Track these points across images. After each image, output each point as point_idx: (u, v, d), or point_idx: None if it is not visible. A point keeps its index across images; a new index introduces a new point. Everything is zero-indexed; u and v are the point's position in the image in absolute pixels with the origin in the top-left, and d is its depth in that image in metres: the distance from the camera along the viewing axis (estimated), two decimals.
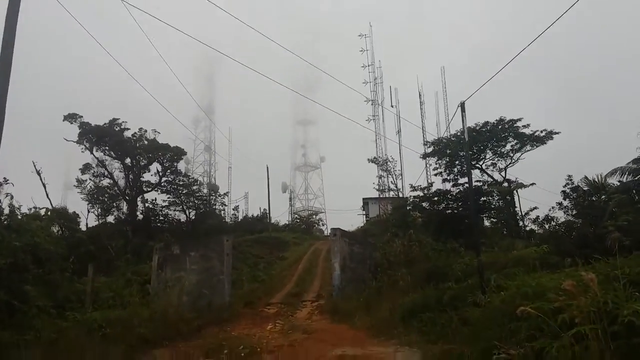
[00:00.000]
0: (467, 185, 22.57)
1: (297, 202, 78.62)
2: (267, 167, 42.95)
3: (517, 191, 19.42)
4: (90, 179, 27.28)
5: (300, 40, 66.44)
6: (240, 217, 54.81)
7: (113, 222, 28.11)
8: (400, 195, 39.64)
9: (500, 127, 22.81)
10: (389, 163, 40.54)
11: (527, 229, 20.23)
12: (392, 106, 46.13)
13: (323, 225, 64.95)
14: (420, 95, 47.73)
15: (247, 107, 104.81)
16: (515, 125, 22.58)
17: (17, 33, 8.69)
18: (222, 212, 46.51)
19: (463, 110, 9.20)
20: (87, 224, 27.15)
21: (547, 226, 18.17)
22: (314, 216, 64.96)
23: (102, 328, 10.89)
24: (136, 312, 11.59)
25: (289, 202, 69.47)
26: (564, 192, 17.58)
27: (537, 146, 22.80)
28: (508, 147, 23.39)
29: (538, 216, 19.76)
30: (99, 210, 27.15)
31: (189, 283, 14.91)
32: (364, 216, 54.32)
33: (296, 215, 65.80)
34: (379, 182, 43.15)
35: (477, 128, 22.81)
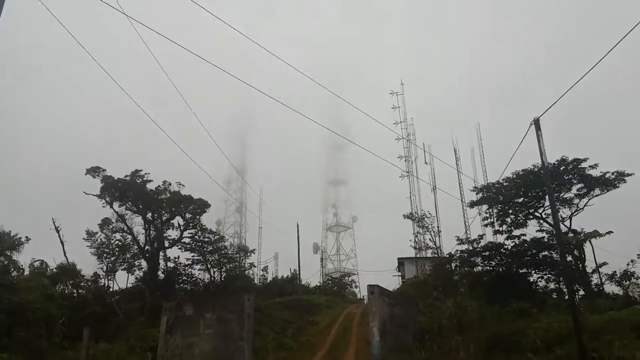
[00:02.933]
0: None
1: (328, 263, 75.91)
2: (297, 225, 41.09)
3: (590, 242, 16.57)
4: (105, 233, 25.75)
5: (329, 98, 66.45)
6: (269, 279, 52.64)
7: (133, 282, 26.41)
8: (440, 253, 36.75)
9: (562, 168, 19.93)
10: (425, 219, 37.98)
11: (600, 287, 17.09)
12: (425, 163, 44.30)
13: (356, 287, 61.70)
14: (455, 151, 45.79)
15: (278, 167, 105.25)
16: (580, 166, 19.69)
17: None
18: (251, 273, 44.48)
19: (538, 129, 7.21)
20: (107, 285, 25.46)
21: (626, 283, 15.22)
22: (347, 277, 61.82)
23: None
24: None
25: (320, 263, 66.78)
26: None
27: (607, 190, 19.68)
28: (573, 191, 20.41)
29: (615, 272, 16.72)
30: (108, 266, 25.30)
31: (202, 351, 12.66)
32: (400, 277, 51.22)
33: (328, 277, 62.87)
34: (415, 239, 40.41)
35: (535, 170, 20.01)
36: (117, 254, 25.53)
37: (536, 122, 7.24)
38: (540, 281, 20.37)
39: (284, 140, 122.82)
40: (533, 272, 20.02)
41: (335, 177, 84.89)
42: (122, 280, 27.96)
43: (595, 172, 19.56)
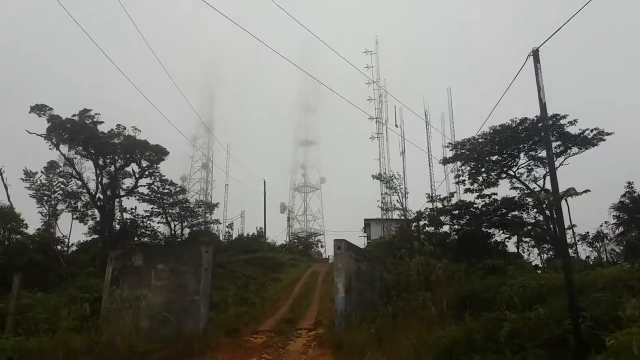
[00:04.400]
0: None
1: (295, 223, 75.89)
2: (264, 181, 39.93)
3: (566, 201, 16.12)
4: (49, 177, 23.56)
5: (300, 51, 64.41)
6: (234, 236, 51.93)
7: (86, 232, 24.76)
8: (406, 215, 36.64)
9: (540, 124, 18.12)
10: (394, 180, 37.54)
11: (574, 248, 16.85)
12: (396, 126, 43.62)
13: (322, 247, 61.94)
14: (426, 115, 45.18)
15: (246, 125, 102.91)
16: (558, 122, 18.73)
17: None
18: (216, 229, 43.54)
19: (537, 61, 6.28)
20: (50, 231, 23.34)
21: (598, 245, 15.03)
22: (313, 237, 61.80)
23: None
24: (66, 340, 8.35)
25: (287, 223, 66.58)
26: (621, 203, 14.44)
27: (585, 149, 18.75)
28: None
29: (587, 232, 16.50)
30: (50, 210, 23.46)
31: (152, 304, 11.66)
32: (365, 238, 51.48)
33: (294, 236, 62.73)
34: (382, 200, 40.12)
35: (513, 125, 19.23)
36: (60, 198, 23.63)
37: (535, 53, 6.33)
38: (507, 241, 20.18)
39: (254, 99, 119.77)
40: (501, 232, 19.78)
41: (305, 137, 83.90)
42: (78, 231, 26.26)
43: (574, 130, 18.82)
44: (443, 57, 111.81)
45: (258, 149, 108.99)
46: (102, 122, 23.24)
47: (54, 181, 23.26)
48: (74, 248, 23.99)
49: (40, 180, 23.77)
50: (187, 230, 35.60)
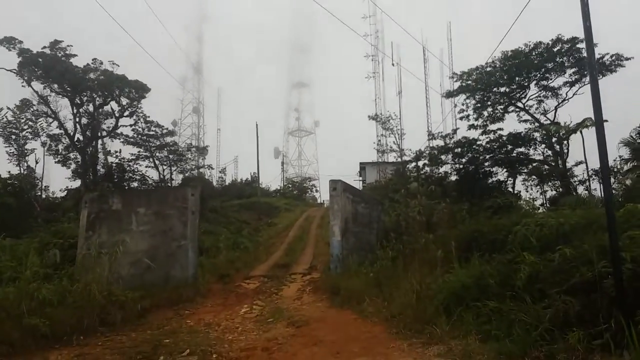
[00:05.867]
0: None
1: (290, 168, 75.25)
2: (257, 125, 38.58)
3: (581, 133, 15.02)
4: (19, 116, 21.83)
5: None
6: (228, 182, 51.22)
7: (69, 177, 23.55)
8: (402, 156, 35.82)
9: (556, 49, 17.17)
10: (391, 121, 36.33)
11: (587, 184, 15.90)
12: (392, 64, 41.70)
13: (317, 191, 61.52)
14: (424, 51, 43.12)
15: (237, 67, 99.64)
16: (576, 46, 16.85)
17: None
18: (209, 174, 42.64)
19: None
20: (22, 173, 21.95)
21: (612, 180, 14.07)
22: (308, 181, 61.20)
23: None
24: (32, 290, 7.51)
25: (281, 168, 65.84)
26: (631, 137, 13.31)
27: (602, 76, 16.56)
28: (563, 78, 17.76)
29: (594, 170, 15.49)
30: (18, 149, 21.99)
31: (134, 250, 10.84)
32: (361, 182, 50.90)
33: (288, 181, 62.14)
34: (378, 142, 39.00)
35: (526, 50, 17.46)
36: (30, 136, 22.06)
37: None
38: (509, 180, 19.27)
39: (245, 39, 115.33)
40: (505, 170, 18.86)
41: (299, 79, 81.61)
42: (61, 175, 25.02)
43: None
44: None
45: (250, 92, 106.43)
46: (75, 55, 21.30)
47: (22, 118, 21.57)
48: (60, 193, 23.05)
49: (6, 117, 22.10)
50: (178, 176, 34.69)
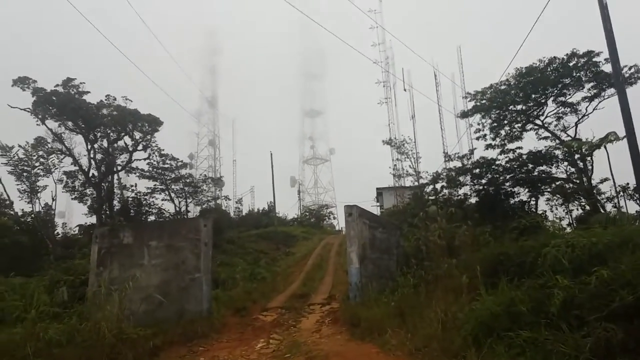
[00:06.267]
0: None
1: (306, 196, 75.11)
2: (271, 154, 38.67)
3: (605, 148, 14.32)
4: (31, 153, 21.83)
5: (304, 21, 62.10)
6: (244, 212, 51.12)
7: (85, 213, 23.61)
8: (419, 179, 35.35)
9: (572, 63, 16.68)
10: (405, 145, 35.97)
11: (616, 202, 15.14)
12: (404, 90, 41.70)
13: (334, 219, 60.95)
14: (435, 76, 43.03)
15: (251, 98, 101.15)
16: (592, 60, 16.43)
17: None
18: (226, 207, 42.69)
19: None
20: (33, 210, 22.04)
21: (638, 197, 13.43)
22: (325, 209, 60.73)
23: None
24: (38, 330, 7.21)
25: (298, 196, 65.64)
26: None
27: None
28: (581, 93, 17.17)
29: (628, 184, 14.74)
30: (31, 187, 22.00)
31: (147, 284, 10.54)
32: (378, 208, 50.34)
33: (305, 209, 61.79)
34: (394, 166, 38.64)
35: (541, 67, 16.98)
36: (41, 173, 22.07)
37: None
38: (532, 200, 18.55)
39: (257, 71, 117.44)
40: (527, 190, 18.19)
41: (311, 107, 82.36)
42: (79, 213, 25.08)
43: (609, 68, 16.19)
44: (452, 16, 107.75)
45: (264, 122, 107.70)
46: (88, 92, 21.55)
47: (34, 155, 21.74)
48: (75, 230, 23.06)
49: (17, 155, 22.01)
50: (195, 208, 34.68)
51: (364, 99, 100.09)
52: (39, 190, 21.90)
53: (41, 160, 21.84)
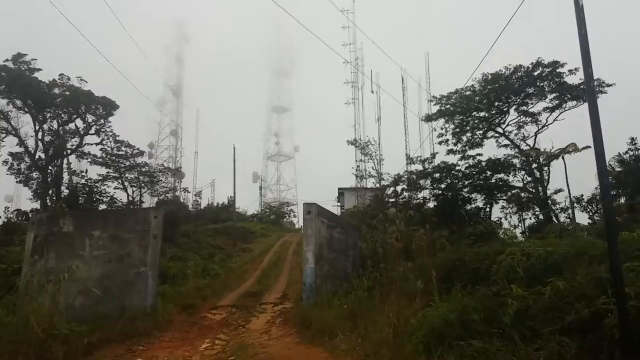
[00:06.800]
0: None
1: (268, 193, 74.47)
2: (234, 148, 37.87)
3: (563, 159, 14.60)
4: None
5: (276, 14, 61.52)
6: (204, 206, 50.04)
7: (30, 197, 22.11)
8: (381, 181, 35.50)
9: (537, 72, 16.84)
10: (370, 146, 36.03)
11: (570, 212, 15.49)
12: (372, 92, 41.88)
13: (294, 217, 60.60)
14: (402, 80, 43.41)
15: (217, 90, 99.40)
16: (556, 70, 16.59)
17: None
18: (184, 199, 41.57)
19: None
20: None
21: (592, 208, 13.77)
22: (285, 206, 60.26)
23: None
24: None
25: (259, 192, 64.91)
26: (621, 161, 13.04)
27: (581, 102, 16.14)
28: (543, 103, 17.37)
29: (582, 195, 15.12)
30: None
31: (87, 276, 9.85)
32: (339, 208, 50.31)
33: (266, 206, 61.13)
34: (357, 167, 38.67)
35: (506, 74, 17.13)
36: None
37: None
38: (487, 208, 18.80)
39: (225, 64, 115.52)
40: (484, 197, 18.40)
41: (279, 104, 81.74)
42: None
43: (573, 80, 16.59)
44: (423, 20, 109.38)
45: (229, 115, 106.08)
46: (39, 70, 20.12)
47: None
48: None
49: None
50: (149, 199, 33.53)
51: (331, 99, 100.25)
52: (31, 182, 20.22)
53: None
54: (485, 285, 6.94)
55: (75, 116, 21.41)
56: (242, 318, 11.98)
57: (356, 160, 37.86)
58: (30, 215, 15.27)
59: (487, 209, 18.54)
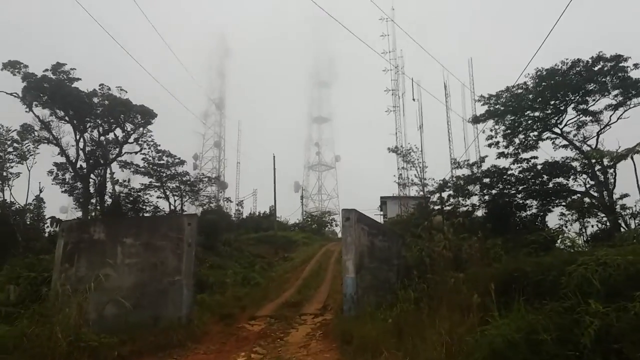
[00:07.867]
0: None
1: (310, 202, 74.28)
2: (274, 157, 37.73)
3: (632, 159, 13.10)
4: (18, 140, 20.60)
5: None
6: (246, 215, 50.25)
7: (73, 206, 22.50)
8: (424, 189, 34.26)
9: (597, 68, 15.38)
10: (412, 153, 34.89)
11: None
12: (413, 99, 40.76)
13: (336, 225, 59.89)
14: (445, 86, 42.05)
15: (259, 102, 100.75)
16: (620, 64, 15.11)
17: None
18: (227, 208, 41.91)
19: None
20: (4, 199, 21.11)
21: None
22: (327, 216, 59.66)
23: None
24: None
25: (301, 201, 64.68)
26: None
27: None
28: (605, 100, 15.82)
29: None
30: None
31: (119, 286, 9.52)
32: (382, 217, 49.26)
33: (307, 215, 60.80)
34: (399, 175, 37.57)
35: (563, 69, 15.67)
36: (16, 159, 20.77)
37: None
38: (543, 214, 17.32)
39: (265, 75, 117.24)
40: (540, 203, 16.97)
41: (319, 114, 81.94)
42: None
43: (637, 75, 15.08)
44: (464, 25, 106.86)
45: (271, 126, 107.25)
46: (79, 79, 20.28)
47: (8, 140, 20.31)
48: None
49: None
50: (191, 208, 33.74)
51: (372, 107, 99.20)
52: (11, 178, 20.67)
53: (15, 145, 20.67)
54: (554, 300, 5.97)
55: (115, 125, 21.67)
56: (281, 330, 11.42)
57: (398, 169, 36.79)
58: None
59: (542, 216, 17.08)
